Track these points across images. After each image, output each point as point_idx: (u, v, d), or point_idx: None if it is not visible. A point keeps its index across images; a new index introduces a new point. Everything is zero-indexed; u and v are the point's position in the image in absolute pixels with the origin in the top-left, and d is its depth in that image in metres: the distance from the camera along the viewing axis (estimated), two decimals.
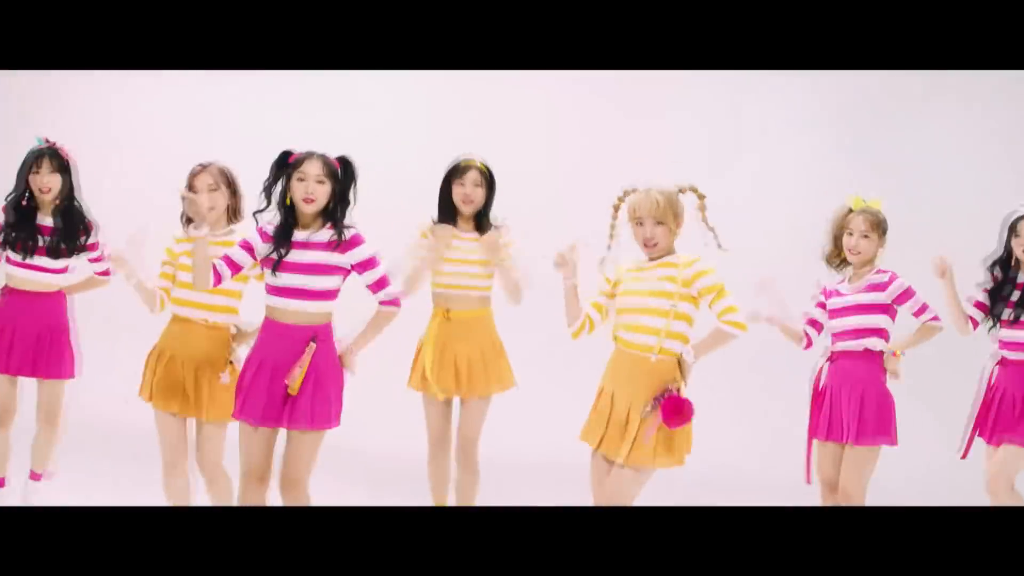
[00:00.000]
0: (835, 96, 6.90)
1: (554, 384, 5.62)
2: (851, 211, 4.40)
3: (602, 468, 3.78)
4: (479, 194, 4.51)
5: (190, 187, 4.18)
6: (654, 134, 6.90)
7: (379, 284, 3.86)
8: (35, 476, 4.73)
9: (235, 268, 3.84)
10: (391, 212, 6.29)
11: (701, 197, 3.80)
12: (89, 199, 4.65)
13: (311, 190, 3.76)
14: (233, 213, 4.29)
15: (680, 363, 3.70)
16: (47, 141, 4.59)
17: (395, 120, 6.99)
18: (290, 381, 3.71)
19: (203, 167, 4.23)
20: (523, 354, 4.65)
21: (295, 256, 3.77)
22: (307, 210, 3.78)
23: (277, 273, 3.76)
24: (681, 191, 3.81)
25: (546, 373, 5.44)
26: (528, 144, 6.81)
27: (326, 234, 3.80)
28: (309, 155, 3.80)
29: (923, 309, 4.33)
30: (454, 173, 4.53)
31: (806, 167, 6.90)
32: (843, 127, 6.90)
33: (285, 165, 3.81)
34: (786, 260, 6.30)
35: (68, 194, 4.60)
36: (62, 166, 4.57)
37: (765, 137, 6.96)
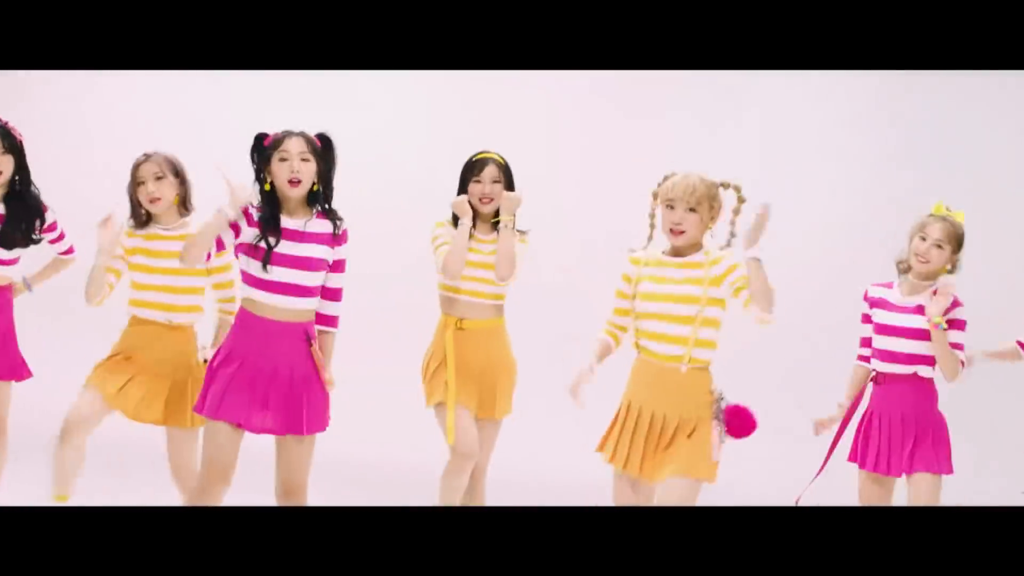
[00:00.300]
0: (836, 96, 6.88)
1: (562, 396, 5.55)
2: (932, 216, 4.11)
3: (629, 489, 3.57)
4: (498, 190, 4.16)
5: (137, 180, 3.99)
6: (654, 134, 6.88)
7: (334, 294, 3.64)
8: None
9: (220, 244, 3.53)
10: (391, 212, 6.34)
11: (741, 200, 3.52)
12: (86, 199, 4.58)
13: (296, 168, 3.50)
14: (183, 204, 4.07)
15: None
16: None
17: (395, 120, 6.98)
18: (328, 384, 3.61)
19: (147, 156, 4.03)
20: (531, 363, 4.50)
21: (288, 248, 3.51)
22: (293, 193, 3.52)
23: (268, 267, 3.50)
24: (724, 186, 3.53)
25: (554, 384, 5.36)
26: (528, 144, 6.78)
27: (324, 225, 3.59)
28: (288, 133, 3.56)
29: (956, 347, 4.04)
30: (470, 171, 4.19)
31: (807, 168, 6.89)
32: (844, 128, 6.88)
33: (262, 148, 3.55)
34: (785, 261, 6.31)
35: (21, 178, 4.16)
36: (13, 146, 4.11)
37: (765, 138, 6.94)
